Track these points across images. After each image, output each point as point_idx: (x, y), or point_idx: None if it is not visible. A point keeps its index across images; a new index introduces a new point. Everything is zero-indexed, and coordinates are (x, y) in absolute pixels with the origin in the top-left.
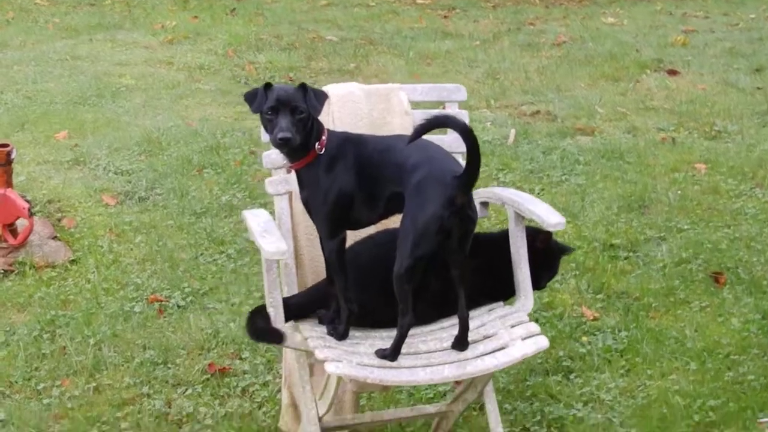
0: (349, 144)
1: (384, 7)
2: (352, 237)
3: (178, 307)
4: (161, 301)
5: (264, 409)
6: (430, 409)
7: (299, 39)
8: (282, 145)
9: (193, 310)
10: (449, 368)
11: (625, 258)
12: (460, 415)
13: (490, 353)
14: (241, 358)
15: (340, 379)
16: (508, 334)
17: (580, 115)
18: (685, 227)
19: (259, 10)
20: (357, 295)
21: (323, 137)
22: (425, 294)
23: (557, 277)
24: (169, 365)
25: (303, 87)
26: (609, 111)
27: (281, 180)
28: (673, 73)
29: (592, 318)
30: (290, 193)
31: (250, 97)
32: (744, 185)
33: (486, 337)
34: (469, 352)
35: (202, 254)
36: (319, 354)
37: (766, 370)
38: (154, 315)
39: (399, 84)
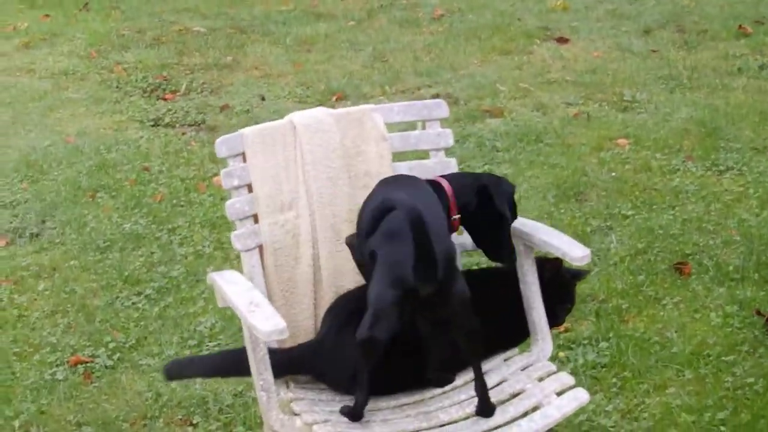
0: None
1: None
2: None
3: (106, 367)
4: (85, 362)
5: None
6: None
7: (164, 33)
8: None
9: (123, 369)
10: None
11: None
12: None
13: (524, 416)
14: (193, 425)
15: None
16: (539, 389)
17: (482, 95)
18: (630, 212)
19: (114, 3)
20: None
21: None
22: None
23: None
24: None
25: None
26: (511, 88)
27: (249, 233)
28: (563, 41)
29: (563, 330)
30: (260, 247)
31: None
32: (675, 159)
33: (513, 396)
34: (499, 417)
35: (117, 298)
36: None
37: (762, 369)
38: (81, 381)
39: (372, 105)
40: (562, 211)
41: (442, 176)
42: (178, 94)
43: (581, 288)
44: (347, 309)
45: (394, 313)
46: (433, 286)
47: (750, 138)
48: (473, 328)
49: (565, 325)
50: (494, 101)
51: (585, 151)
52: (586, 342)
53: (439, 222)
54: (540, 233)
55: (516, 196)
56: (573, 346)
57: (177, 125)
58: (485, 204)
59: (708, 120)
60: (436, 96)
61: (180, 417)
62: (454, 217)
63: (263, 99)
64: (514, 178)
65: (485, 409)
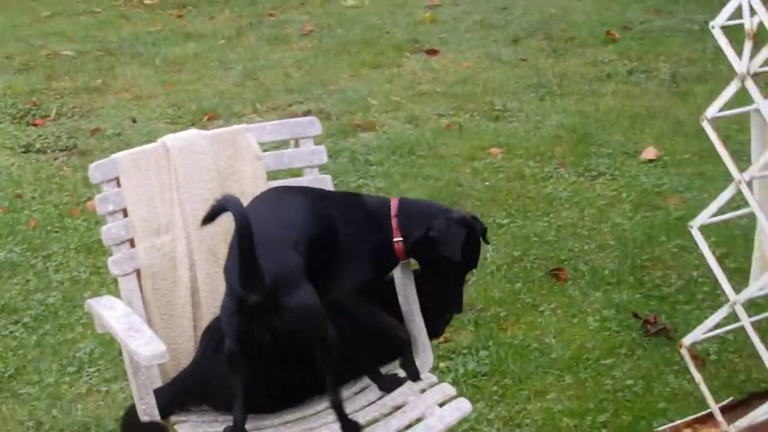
0: None
1: (112, 13)
2: None
3: None
4: None
5: None
6: None
7: (32, 57)
8: None
9: (3, 399)
10: None
11: None
12: None
13: (407, 428)
14: None
15: None
16: (422, 401)
17: (354, 109)
18: (504, 221)
19: None
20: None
21: None
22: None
23: None
24: None
25: None
26: (382, 101)
27: (126, 257)
28: (432, 52)
29: (443, 340)
30: (137, 271)
31: None
32: (547, 167)
33: (396, 409)
34: (382, 430)
35: None
36: None
37: (640, 370)
38: None
39: (244, 125)
40: None
41: (403, 198)
42: (48, 119)
43: None
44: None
45: (234, 322)
46: (258, 295)
47: (621, 142)
48: (325, 340)
49: (444, 335)
50: (366, 115)
51: (458, 161)
52: (465, 351)
53: (279, 234)
54: None
55: None
56: (453, 356)
57: (48, 150)
58: (429, 242)
59: (579, 126)
60: (308, 112)
61: None
62: (396, 239)
63: (134, 121)
64: (389, 191)
65: (350, 429)
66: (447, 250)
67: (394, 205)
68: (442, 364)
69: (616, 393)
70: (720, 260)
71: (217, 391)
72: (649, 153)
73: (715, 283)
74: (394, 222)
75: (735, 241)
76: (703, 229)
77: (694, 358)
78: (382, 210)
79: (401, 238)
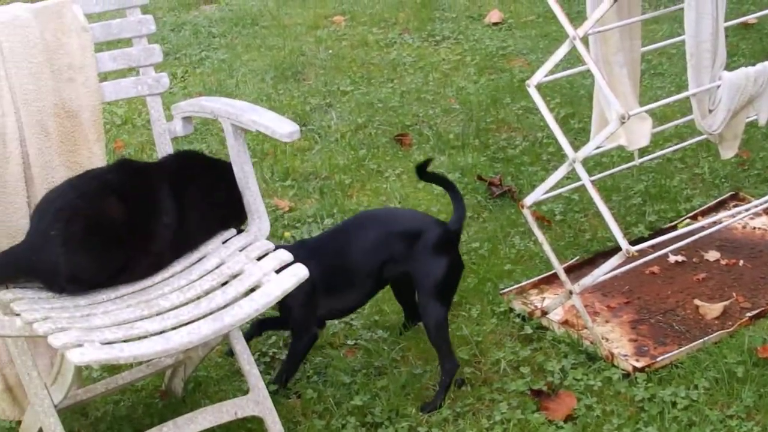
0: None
1: None
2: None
3: None
4: None
5: None
6: (168, 360)
7: None
8: None
9: None
10: (206, 324)
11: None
12: (202, 360)
13: (245, 296)
14: None
15: None
16: (259, 268)
17: None
18: (348, 88)
19: None
20: (66, 256)
21: None
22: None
23: None
24: None
25: None
26: None
27: None
28: None
29: (288, 209)
30: None
31: None
32: (391, 33)
33: (233, 277)
34: (220, 299)
35: None
36: (55, 341)
37: (486, 233)
38: None
39: None
40: (281, 92)
41: None
42: None
43: (302, 166)
44: (54, 205)
45: None
46: None
47: (465, 6)
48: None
49: (289, 204)
50: None
51: (301, 30)
52: (311, 220)
53: None
54: (247, 113)
55: (232, 82)
56: (298, 224)
57: None
58: None
59: None
60: None
61: None
62: None
63: None
64: (231, 63)
65: None
66: None
67: None
68: (287, 234)
69: (463, 256)
70: (565, 120)
71: (48, 271)
72: (494, 16)
73: (560, 144)
74: None
75: (580, 102)
76: (546, 89)
77: (540, 218)
78: None
79: None
